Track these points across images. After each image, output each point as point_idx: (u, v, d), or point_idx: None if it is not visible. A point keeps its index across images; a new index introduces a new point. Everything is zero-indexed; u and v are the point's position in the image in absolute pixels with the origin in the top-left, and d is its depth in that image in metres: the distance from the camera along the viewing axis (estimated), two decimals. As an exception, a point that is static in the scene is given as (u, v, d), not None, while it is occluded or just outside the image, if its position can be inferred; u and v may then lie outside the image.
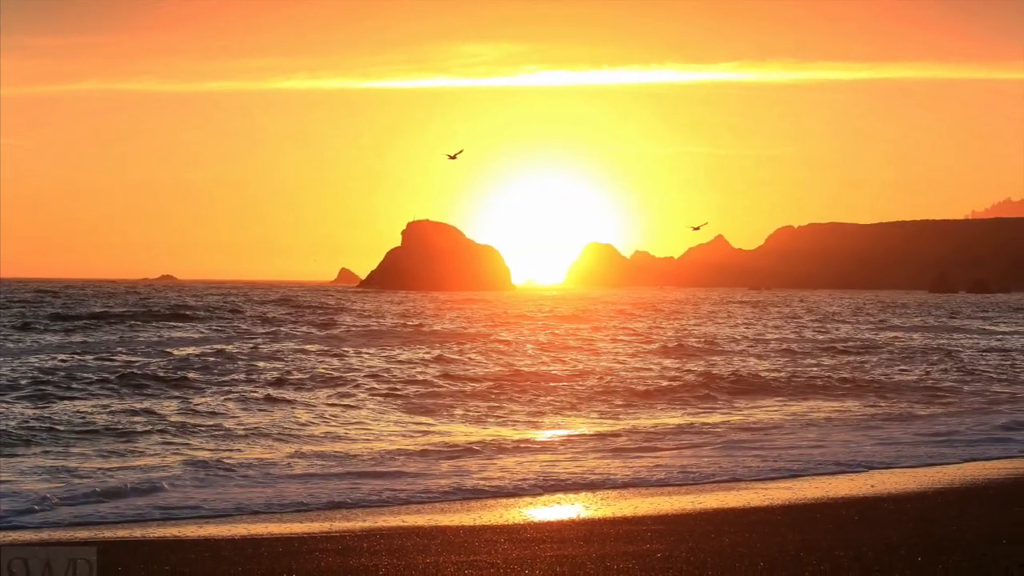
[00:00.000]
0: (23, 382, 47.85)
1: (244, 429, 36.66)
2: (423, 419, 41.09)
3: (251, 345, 75.09)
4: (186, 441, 34.01)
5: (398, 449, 33.19)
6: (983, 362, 71.69)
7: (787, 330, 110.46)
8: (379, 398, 46.71)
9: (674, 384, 54.18)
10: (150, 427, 36.26)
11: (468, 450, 33.30)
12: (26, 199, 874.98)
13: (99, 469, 28.49)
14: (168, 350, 68.97)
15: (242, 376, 53.88)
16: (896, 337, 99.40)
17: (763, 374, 60.32)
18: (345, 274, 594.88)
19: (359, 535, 20.51)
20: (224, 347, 72.08)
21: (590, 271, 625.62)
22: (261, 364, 60.25)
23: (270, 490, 26.31)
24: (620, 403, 47.25)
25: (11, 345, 72.34)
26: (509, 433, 37.76)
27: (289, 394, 46.98)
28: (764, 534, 19.87)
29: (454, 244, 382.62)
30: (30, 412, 38.94)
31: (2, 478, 26.96)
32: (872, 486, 26.97)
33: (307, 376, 54.40)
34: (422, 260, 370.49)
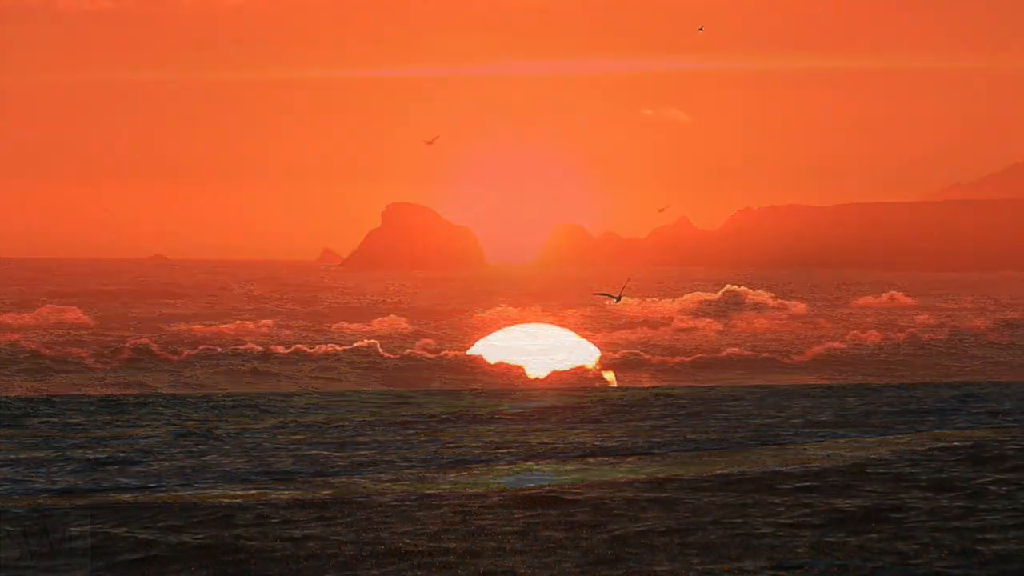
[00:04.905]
0: (22, 356, 47.65)
1: (232, 401, 36.56)
2: (402, 390, 41.04)
3: (238, 321, 74.87)
4: (177, 412, 33.90)
5: (378, 419, 33.13)
6: (934, 337, 71.82)
7: (748, 307, 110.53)
8: (360, 371, 46.65)
9: (640, 356, 54.19)
10: (143, 398, 36.15)
11: (445, 419, 33.25)
12: (25, 181, 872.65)
13: (94, 438, 28.39)
14: (160, 325, 68.76)
15: (229, 350, 53.74)
16: (852, 313, 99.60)
17: (725, 348, 60.35)
18: (327, 254, 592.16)
19: (340, 500, 20.48)
20: (213, 323, 71.86)
21: (560, 251, 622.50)
22: (248, 339, 60.08)
23: (256, 458, 26.25)
24: (590, 374, 47.25)
25: (11, 321, 72.01)
26: (483, 403, 37.71)
27: (274, 367, 46.91)
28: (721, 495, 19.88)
29: (431, 225, 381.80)
30: (30, 384, 38.81)
31: (3, 447, 26.86)
32: (827, 455, 27.01)
33: (291, 350, 54.28)
34: (400, 240, 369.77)
